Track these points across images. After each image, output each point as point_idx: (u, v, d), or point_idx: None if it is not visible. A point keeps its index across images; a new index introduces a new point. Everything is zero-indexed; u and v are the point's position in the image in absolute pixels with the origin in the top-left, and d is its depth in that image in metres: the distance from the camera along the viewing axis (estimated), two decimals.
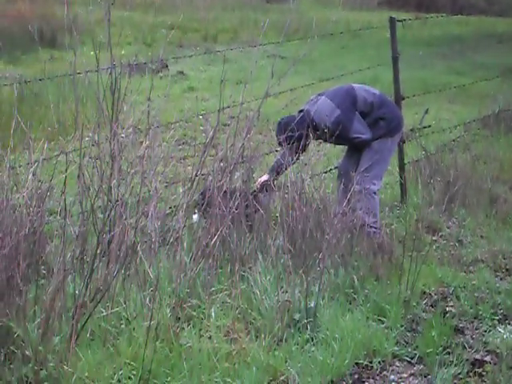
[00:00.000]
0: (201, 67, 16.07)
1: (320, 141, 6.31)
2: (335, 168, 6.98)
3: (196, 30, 21.42)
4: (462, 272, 5.85)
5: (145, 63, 8.30)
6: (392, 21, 7.58)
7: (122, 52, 12.58)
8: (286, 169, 6.06)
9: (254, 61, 6.30)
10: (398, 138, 6.52)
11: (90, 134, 5.32)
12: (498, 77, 11.94)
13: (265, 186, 6.12)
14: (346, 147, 6.66)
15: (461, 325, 4.97)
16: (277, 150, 6.86)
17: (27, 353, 4.05)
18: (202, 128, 9.15)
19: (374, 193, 6.30)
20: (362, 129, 6.20)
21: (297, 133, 6.05)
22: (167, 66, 15.31)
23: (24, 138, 5.21)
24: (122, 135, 5.30)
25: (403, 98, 7.64)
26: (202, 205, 5.56)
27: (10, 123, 5.07)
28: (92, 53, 4.97)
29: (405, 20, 8.17)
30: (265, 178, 6.18)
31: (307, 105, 6.35)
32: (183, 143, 9.33)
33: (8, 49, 15.59)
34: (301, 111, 6.32)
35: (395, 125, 6.36)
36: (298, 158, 6.15)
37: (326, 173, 7.02)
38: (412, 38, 21.00)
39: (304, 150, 6.19)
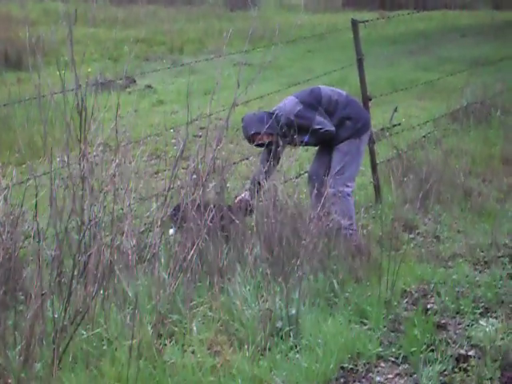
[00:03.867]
0: (168, 80, 16.02)
1: (291, 146, 6.32)
2: (306, 172, 6.98)
3: (161, 43, 21.38)
4: (441, 268, 5.85)
5: (110, 81, 8.25)
6: (354, 23, 7.55)
7: (89, 69, 12.55)
8: (264, 183, 5.97)
9: (220, 70, 6.30)
10: (366, 139, 6.53)
11: (60, 156, 5.29)
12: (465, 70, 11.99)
13: (245, 204, 6.08)
14: (316, 151, 6.66)
15: (443, 321, 4.96)
16: (247, 158, 6.84)
17: (9, 381, 4.01)
18: (173, 141, 9.12)
19: (348, 195, 6.31)
20: (325, 121, 6.22)
21: (265, 126, 6.06)
22: (135, 81, 15.30)
23: None
24: (93, 154, 5.26)
25: (370, 99, 7.64)
26: (177, 219, 5.54)
27: None
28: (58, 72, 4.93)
29: (367, 21, 8.17)
30: (245, 196, 6.16)
31: (276, 107, 6.40)
32: (155, 158, 9.29)
33: None
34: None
35: (362, 125, 6.38)
36: (272, 172, 6.10)
37: (297, 178, 7.01)
38: (377, 36, 21.11)
39: (278, 161, 6.17)
